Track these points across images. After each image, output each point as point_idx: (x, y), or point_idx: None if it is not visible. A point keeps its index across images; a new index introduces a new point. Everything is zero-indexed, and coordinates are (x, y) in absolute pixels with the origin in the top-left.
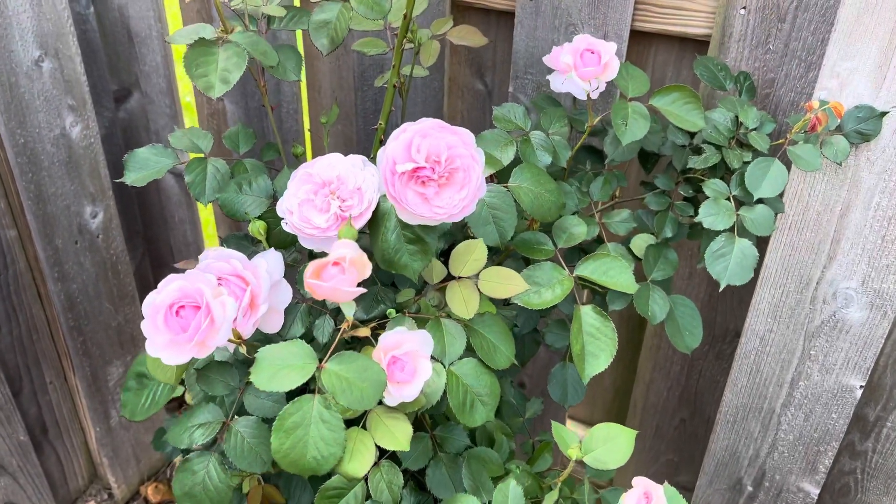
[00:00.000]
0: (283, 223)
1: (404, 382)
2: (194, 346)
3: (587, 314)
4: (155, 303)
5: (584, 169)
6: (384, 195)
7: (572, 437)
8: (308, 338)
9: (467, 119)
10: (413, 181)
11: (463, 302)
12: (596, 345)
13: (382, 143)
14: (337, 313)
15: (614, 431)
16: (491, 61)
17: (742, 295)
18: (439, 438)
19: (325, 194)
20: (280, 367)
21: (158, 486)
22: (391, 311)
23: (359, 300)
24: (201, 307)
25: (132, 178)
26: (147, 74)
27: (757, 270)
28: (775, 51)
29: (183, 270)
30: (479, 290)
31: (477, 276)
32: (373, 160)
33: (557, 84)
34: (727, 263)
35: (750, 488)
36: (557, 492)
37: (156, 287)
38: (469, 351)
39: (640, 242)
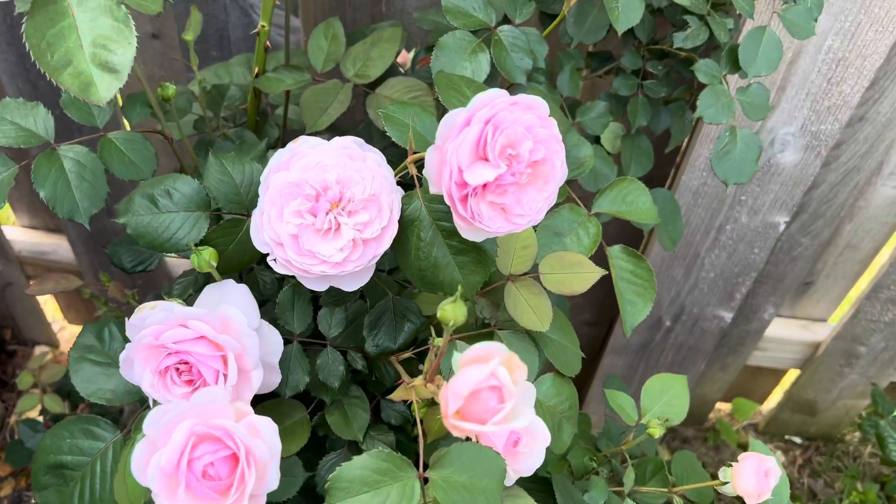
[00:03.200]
0: (270, 261)
1: (522, 455)
2: None
3: (618, 257)
4: (161, 467)
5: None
6: (406, 195)
7: (627, 402)
8: (314, 382)
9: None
10: (490, 192)
11: (531, 310)
12: (632, 290)
13: (267, 51)
14: (340, 340)
15: (667, 382)
16: None
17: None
18: None
19: (326, 209)
20: (370, 497)
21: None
22: (437, 340)
23: (377, 324)
24: (237, 452)
25: None
26: None
27: (694, 128)
28: None
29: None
30: (544, 287)
31: (534, 268)
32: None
33: None
34: (733, 161)
35: (668, 324)
36: (632, 470)
37: None
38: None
39: (611, 135)
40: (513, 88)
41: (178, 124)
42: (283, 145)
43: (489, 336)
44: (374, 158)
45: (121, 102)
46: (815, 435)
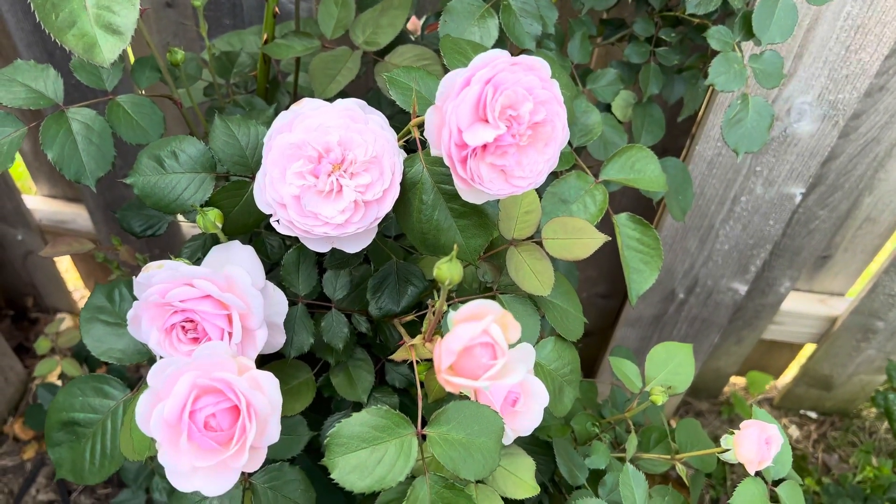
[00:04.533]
0: (273, 222)
1: (520, 414)
2: (247, 460)
3: (624, 224)
4: (164, 418)
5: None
6: (408, 158)
7: (632, 369)
8: (318, 344)
9: None
10: (490, 153)
11: (533, 275)
12: (638, 258)
13: (276, 18)
14: (346, 304)
15: (672, 350)
16: None
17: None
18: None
19: (328, 171)
20: (368, 453)
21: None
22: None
23: (380, 287)
24: (238, 405)
25: None
26: None
27: (709, 97)
28: None
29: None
30: (546, 253)
31: (537, 234)
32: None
33: None
34: (744, 129)
35: (682, 296)
36: (635, 437)
37: None
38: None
39: (622, 103)
40: (522, 55)
41: (189, 90)
42: None
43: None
44: (377, 121)
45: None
46: (830, 410)
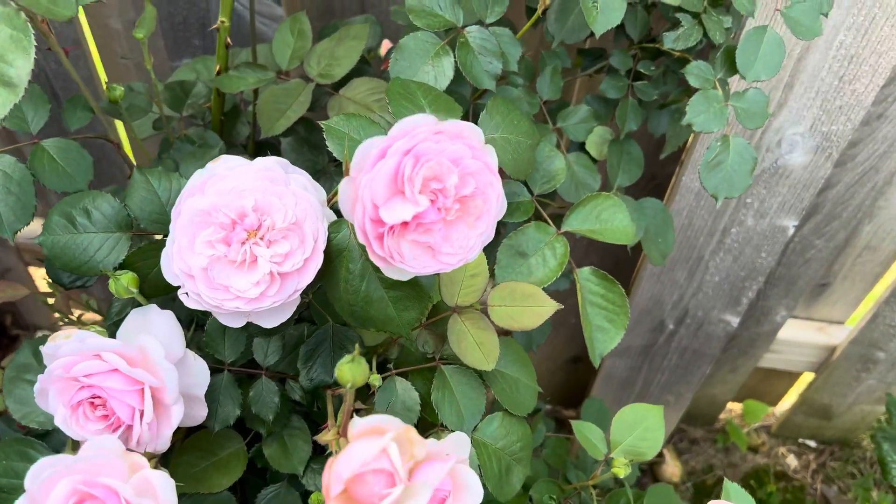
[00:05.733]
0: (181, 295)
1: None
2: None
3: (587, 279)
4: None
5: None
6: (335, 222)
7: (596, 433)
8: (249, 413)
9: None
10: (412, 230)
11: (476, 346)
12: (602, 316)
13: (228, 47)
14: (278, 370)
15: (641, 413)
16: None
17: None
18: None
19: (242, 239)
20: None
21: None
22: (375, 377)
23: (313, 355)
24: None
25: None
26: None
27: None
28: None
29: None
30: (492, 321)
31: (483, 301)
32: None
33: None
34: (725, 173)
35: (671, 327)
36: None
37: None
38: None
39: (597, 139)
40: (449, 120)
41: (133, 128)
42: (255, 143)
43: (431, 372)
44: (300, 181)
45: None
46: (830, 439)
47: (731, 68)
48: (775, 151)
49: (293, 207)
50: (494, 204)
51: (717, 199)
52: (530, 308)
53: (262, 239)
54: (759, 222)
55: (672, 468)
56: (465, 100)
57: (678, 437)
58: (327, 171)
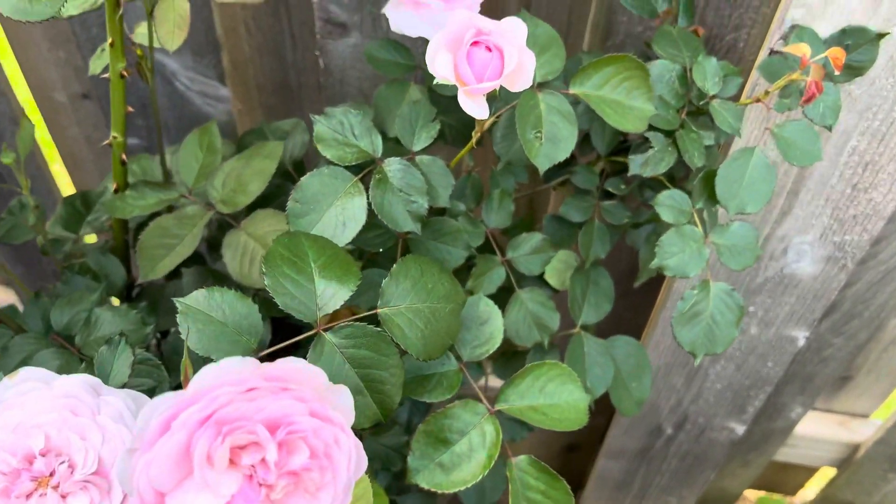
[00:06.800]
0: None
1: None
2: None
3: (523, 471)
4: None
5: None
6: None
7: None
8: None
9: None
10: None
11: None
12: None
13: (124, 164)
14: None
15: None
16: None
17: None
18: None
19: (28, 491)
20: None
21: None
22: None
23: None
24: None
25: None
26: None
27: None
28: None
29: None
30: None
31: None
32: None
33: (403, 21)
34: (702, 326)
35: (670, 431)
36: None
37: None
38: None
39: (559, 266)
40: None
41: (4, 266)
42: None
43: None
44: (114, 409)
45: None
46: None
47: (711, 198)
48: (780, 260)
49: (98, 447)
50: (343, 468)
51: (695, 356)
52: None
53: (54, 489)
54: (765, 332)
55: None
56: (393, 235)
57: None
58: None
